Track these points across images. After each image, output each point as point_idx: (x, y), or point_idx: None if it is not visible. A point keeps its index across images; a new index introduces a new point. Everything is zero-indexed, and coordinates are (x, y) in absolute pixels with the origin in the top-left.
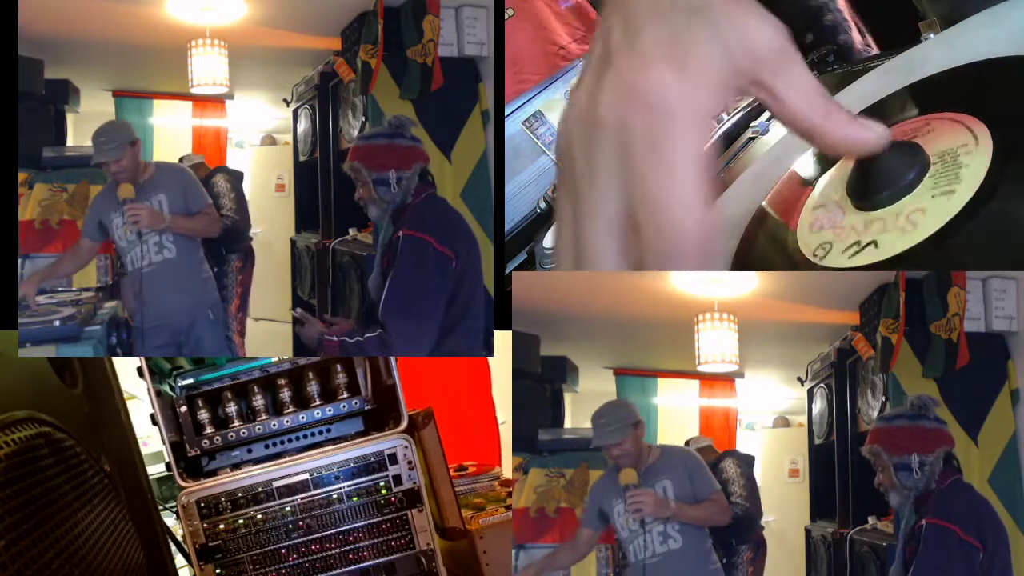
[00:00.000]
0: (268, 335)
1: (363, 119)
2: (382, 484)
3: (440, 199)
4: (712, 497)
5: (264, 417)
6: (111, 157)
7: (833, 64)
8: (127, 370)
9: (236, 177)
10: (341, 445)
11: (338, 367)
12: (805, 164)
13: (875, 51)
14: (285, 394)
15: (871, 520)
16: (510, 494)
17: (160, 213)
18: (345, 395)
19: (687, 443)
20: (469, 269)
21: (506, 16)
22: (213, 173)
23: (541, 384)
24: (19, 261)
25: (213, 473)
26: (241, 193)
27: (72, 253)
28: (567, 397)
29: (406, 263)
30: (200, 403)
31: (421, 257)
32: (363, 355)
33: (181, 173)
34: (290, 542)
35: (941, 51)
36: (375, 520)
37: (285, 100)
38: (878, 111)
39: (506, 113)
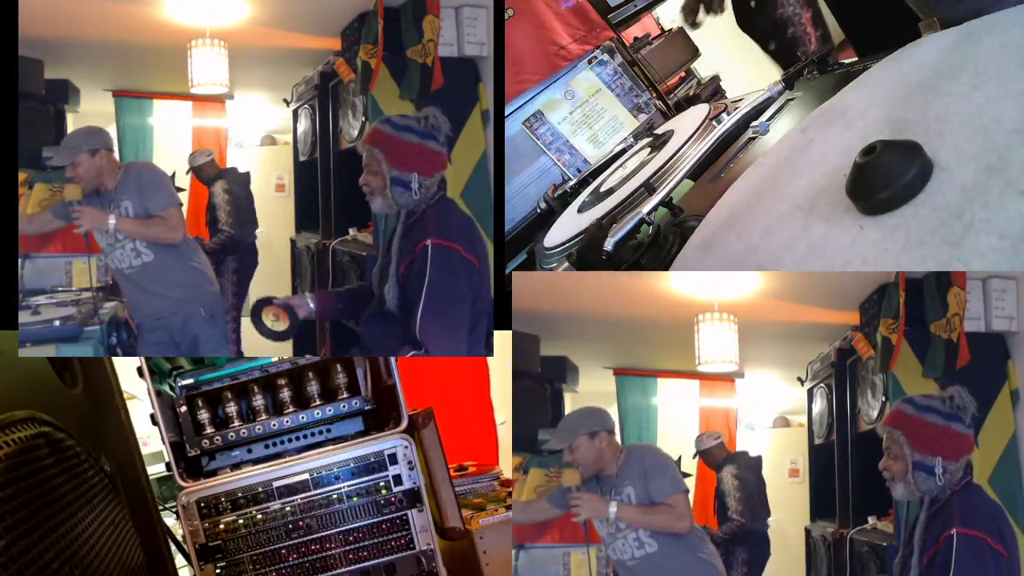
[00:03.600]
0: None
1: (363, 119)
2: (382, 484)
3: (451, 201)
4: (668, 501)
5: (264, 417)
6: (59, 163)
7: (833, 65)
8: (127, 370)
9: (239, 182)
10: (341, 445)
11: (338, 367)
12: None
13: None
14: (285, 394)
15: (871, 520)
16: (510, 494)
17: (104, 214)
18: (345, 395)
19: (699, 439)
20: (485, 273)
21: (506, 16)
22: (217, 176)
23: (541, 384)
24: (19, 261)
25: (213, 473)
26: (241, 198)
27: (27, 218)
28: (567, 397)
29: (439, 275)
30: (200, 403)
31: (451, 266)
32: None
33: (140, 173)
34: (290, 542)
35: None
36: (375, 520)
37: (285, 100)
38: None
39: (506, 113)
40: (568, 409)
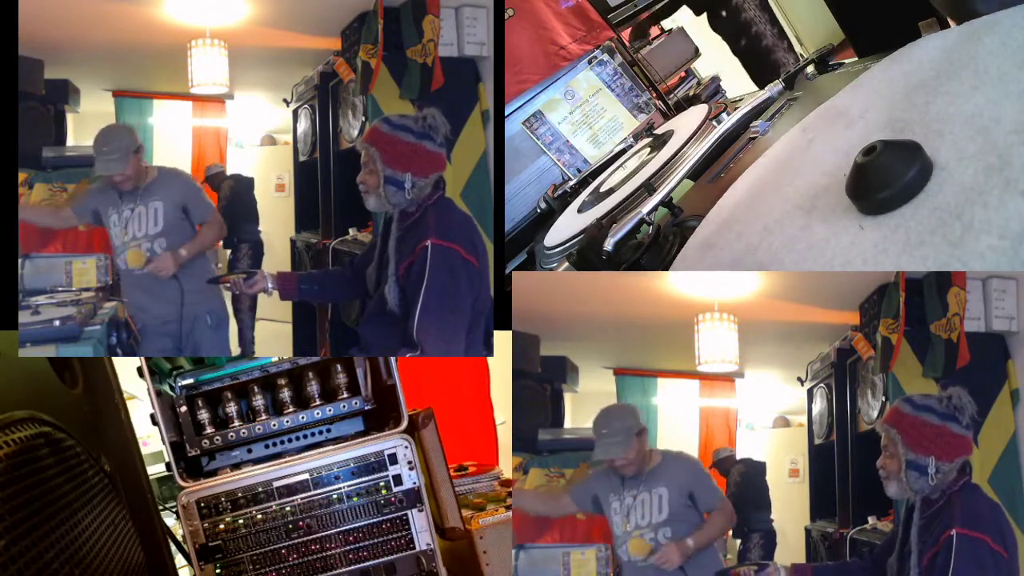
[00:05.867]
0: (268, 335)
1: (363, 119)
2: (382, 484)
3: (449, 201)
4: (719, 507)
5: (264, 417)
6: (117, 169)
7: (833, 65)
8: (127, 370)
9: (243, 185)
10: (341, 445)
11: (338, 367)
12: None
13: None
14: (285, 394)
15: (871, 520)
16: (510, 494)
17: (179, 253)
18: (345, 395)
19: (716, 452)
20: (485, 273)
21: (506, 16)
22: (224, 181)
23: (541, 384)
24: (19, 261)
25: (213, 473)
26: (242, 200)
27: (52, 211)
28: (567, 397)
29: (438, 276)
30: (200, 403)
31: (452, 267)
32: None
33: (179, 180)
34: (290, 542)
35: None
36: (375, 520)
37: (285, 100)
38: None
39: (506, 113)
40: (568, 409)
